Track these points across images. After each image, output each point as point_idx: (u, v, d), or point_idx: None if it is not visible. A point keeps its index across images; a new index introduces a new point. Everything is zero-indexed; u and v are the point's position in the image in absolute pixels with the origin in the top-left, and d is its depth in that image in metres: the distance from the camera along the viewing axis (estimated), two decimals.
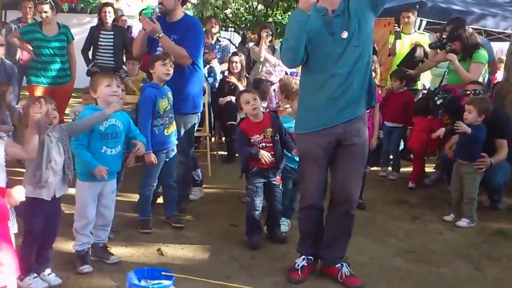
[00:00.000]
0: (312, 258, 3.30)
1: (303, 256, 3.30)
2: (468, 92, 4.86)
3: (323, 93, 3.04)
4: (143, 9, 3.97)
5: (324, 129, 3.06)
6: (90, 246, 3.26)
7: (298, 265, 3.27)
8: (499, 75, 8.71)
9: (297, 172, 3.54)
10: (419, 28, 7.04)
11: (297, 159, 3.81)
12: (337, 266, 3.23)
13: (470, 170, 4.40)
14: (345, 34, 3.01)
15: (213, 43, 6.45)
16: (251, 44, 6.98)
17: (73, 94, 6.69)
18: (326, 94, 3.03)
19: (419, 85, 6.36)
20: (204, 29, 7.23)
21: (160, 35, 3.90)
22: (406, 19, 6.38)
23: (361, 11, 3.01)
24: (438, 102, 5.08)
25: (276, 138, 3.73)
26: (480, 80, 5.29)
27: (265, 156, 3.63)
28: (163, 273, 2.86)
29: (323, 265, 3.34)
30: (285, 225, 4.03)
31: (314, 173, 3.16)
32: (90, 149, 3.14)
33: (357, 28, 3.00)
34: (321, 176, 3.18)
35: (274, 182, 3.77)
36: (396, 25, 6.47)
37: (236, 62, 5.95)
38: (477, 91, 4.84)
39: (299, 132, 3.22)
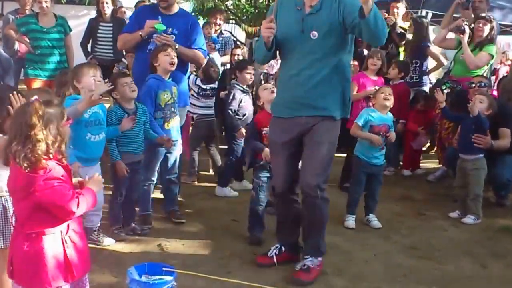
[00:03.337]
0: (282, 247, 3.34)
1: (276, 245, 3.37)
2: (474, 84, 4.81)
3: (286, 90, 3.12)
4: (156, 27, 3.82)
5: (286, 118, 3.12)
6: None
7: (270, 253, 3.32)
8: (503, 70, 8.66)
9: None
10: None
11: (376, 154, 4.02)
12: (305, 257, 3.20)
13: (475, 167, 4.34)
14: (314, 35, 2.95)
15: (215, 36, 6.37)
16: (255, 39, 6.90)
17: None
18: (291, 89, 3.08)
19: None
20: (207, 20, 7.20)
21: (177, 47, 3.82)
22: (396, 10, 6.32)
23: (338, 19, 2.93)
24: (446, 91, 5.03)
25: None
26: (484, 74, 5.24)
27: (268, 156, 3.56)
28: (164, 268, 2.81)
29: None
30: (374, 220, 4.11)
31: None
32: (75, 136, 3.10)
33: (329, 32, 2.92)
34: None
35: None
36: (386, 15, 6.39)
37: (238, 55, 5.88)
38: (483, 84, 4.80)
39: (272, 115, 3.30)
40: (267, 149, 3.58)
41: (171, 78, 3.82)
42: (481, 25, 5.14)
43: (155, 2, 4.17)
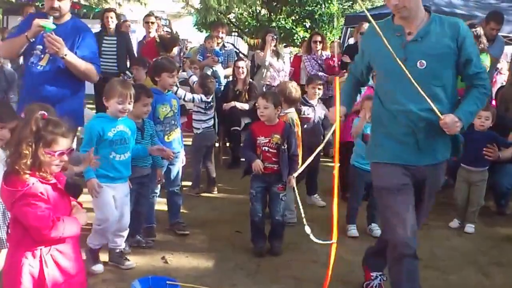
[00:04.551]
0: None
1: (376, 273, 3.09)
2: None
3: (392, 128, 2.69)
4: (44, 25, 3.27)
5: (397, 164, 2.70)
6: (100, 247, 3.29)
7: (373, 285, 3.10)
8: (498, 79, 8.70)
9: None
10: None
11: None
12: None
13: (483, 178, 4.38)
14: (422, 64, 2.58)
15: (218, 49, 6.44)
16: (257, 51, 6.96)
17: None
18: (396, 131, 2.68)
19: None
20: (209, 34, 7.28)
21: (66, 54, 3.33)
22: None
23: (451, 46, 2.57)
24: None
25: (283, 147, 3.69)
26: None
27: (257, 166, 3.62)
28: (168, 281, 2.83)
29: None
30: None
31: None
32: (99, 154, 3.10)
33: (438, 61, 2.56)
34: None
35: (275, 190, 3.73)
36: None
37: (241, 67, 5.93)
38: None
39: (373, 161, 2.87)
40: (258, 161, 3.63)
41: (49, 97, 3.36)
42: None
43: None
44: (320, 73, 6.48)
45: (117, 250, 3.37)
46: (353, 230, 4.14)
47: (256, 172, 3.64)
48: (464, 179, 4.46)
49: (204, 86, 5.05)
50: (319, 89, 4.80)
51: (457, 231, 4.36)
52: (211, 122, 5.22)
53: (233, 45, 9.00)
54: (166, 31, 8.36)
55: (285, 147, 3.70)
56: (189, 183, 5.08)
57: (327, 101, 5.99)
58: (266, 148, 3.70)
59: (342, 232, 4.13)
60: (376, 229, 4.15)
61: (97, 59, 3.63)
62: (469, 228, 4.33)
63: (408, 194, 2.69)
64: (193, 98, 4.98)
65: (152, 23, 6.80)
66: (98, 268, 3.26)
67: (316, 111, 4.74)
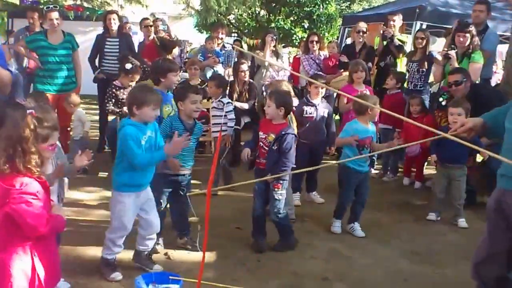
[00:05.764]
0: None
1: None
2: (451, 83, 4.85)
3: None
4: None
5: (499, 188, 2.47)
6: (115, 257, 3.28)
7: None
8: (493, 78, 8.77)
9: None
10: None
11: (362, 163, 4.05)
12: None
13: (463, 173, 4.49)
14: None
15: (218, 50, 6.53)
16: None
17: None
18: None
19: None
20: (210, 35, 7.35)
21: None
22: (392, 22, 6.49)
23: None
24: (444, 103, 5.11)
25: (274, 147, 3.68)
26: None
27: (244, 155, 3.76)
28: (170, 277, 2.88)
29: None
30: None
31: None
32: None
33: None
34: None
35: (271, 187, 3.75)
36: (385, 28, 6.55)
37: (244, 72, 5.97)
38: (458, 82, 4.79)
39: None
40: (246, 149, 3.79)
41: None
42: (461, 39, 5.30)
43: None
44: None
45: (145, 252, 3.35)
46: (336, 228, 4.18)
47: (242, 159, 3.76)
48: (444, 175, 4.55)
49: (221, 84, 5.07)
50: (321, 87, 4.76)
51: (453, 226, 4.43)
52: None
53: (233, 46, 9.06)
54: (167, 33, 8.43)
55: (276, 148, 3.67)
56: None
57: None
58: (261, 144, 3.76)
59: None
60: (358, 229, 4.16)
61: (4, 62, 3.03)
62: (462, 222, 4.42)
63: (495, 221, 2.49)
64: (235, 107, 5.03)
65: (151, 26, 6.89)
66: (116, 275, 3.20)
67: (318, 110, 4.75)
